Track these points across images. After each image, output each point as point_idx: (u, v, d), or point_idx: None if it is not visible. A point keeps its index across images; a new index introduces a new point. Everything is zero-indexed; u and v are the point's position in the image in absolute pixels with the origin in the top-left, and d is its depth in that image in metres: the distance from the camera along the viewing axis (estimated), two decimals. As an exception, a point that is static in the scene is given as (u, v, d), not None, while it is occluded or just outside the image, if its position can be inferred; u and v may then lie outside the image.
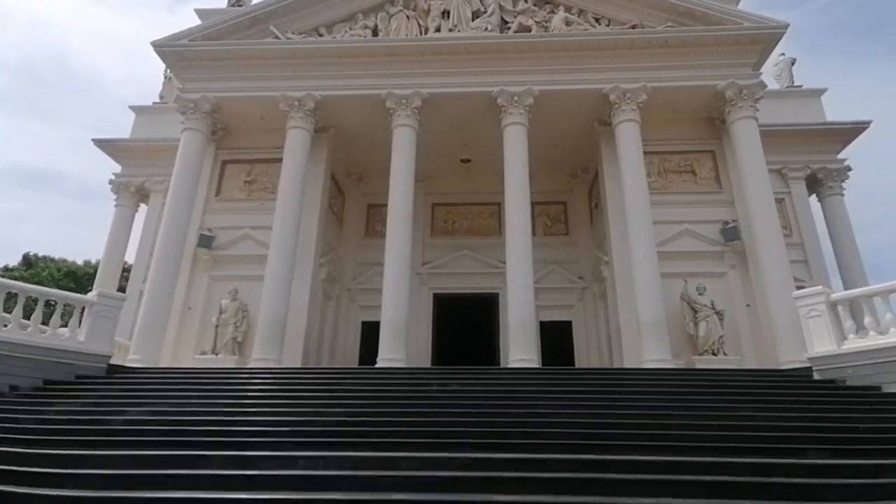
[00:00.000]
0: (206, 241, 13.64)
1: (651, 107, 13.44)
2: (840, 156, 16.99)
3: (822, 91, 17.71)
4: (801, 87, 18.07)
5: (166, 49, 14.07)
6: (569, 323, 15.82)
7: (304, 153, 13.56)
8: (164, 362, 12.52)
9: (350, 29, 14.51)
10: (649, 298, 11.66)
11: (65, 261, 33.48)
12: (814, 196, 17.12)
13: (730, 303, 12.62)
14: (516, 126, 13.36)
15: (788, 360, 10.95)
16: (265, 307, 12.08)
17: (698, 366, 11.58)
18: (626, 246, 12.97)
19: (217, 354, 12.63)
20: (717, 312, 12.12)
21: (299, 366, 12.51)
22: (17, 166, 73.99)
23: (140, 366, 11.40)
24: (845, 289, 14.44)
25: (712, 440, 6.07)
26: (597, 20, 14.22)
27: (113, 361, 12.07)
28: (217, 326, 12.88)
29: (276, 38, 14.11)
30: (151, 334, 12.11)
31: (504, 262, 14.98)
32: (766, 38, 13.22)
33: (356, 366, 14.91)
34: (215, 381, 9.51)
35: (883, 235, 57.30)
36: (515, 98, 13.38)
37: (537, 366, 11.26)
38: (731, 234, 12.91)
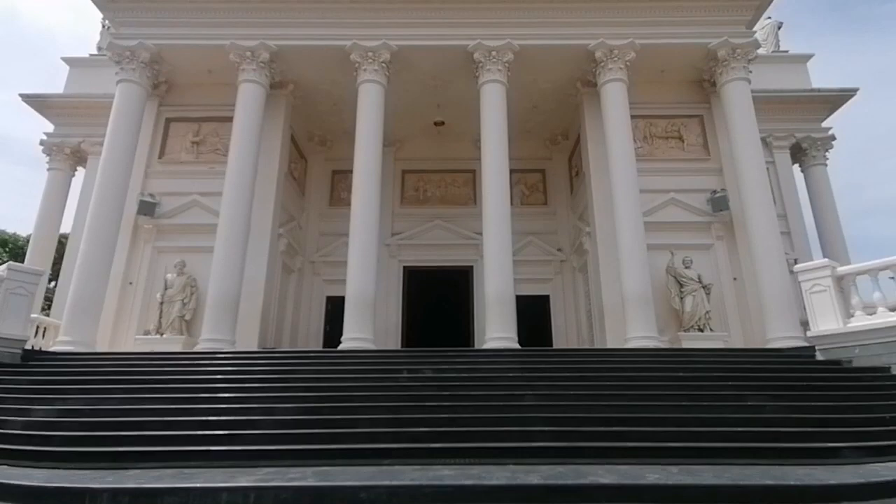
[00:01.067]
0: (147, 209, 12.17)
1: (638, 67, 12.46)
2: (824, 124, 16.44)
3: (809, 57, 17.05)
4: (786, 52, 17.36)
5: (96, -13, 12.27)
6: (546, 297, 15.03)
7: (258, 111, 12.11)
8: (102, 344, 11.21)
9: (311, -29, 12.94)
10: (635, 272, 10.88)
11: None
12: (796, 165, 16.60)
13: (716, 276, 12.00)
14: (495, 84, 12.20)
15: (777, 336, 10.40)
16: (215, 282, 10.83)
17: (684, 343, 10.94)
18: (609, 215, 12.13)
19: (162, 335, 11.36)
20: (703, 286, 11.47)
21: (255, 348, 11.38)
22: (-45, 131, 68.70)
23: (69, 349, 10.08)
24: (828, 261, 14.01)
25: (725, 438, 5.30)
26: (582, -30, 13.04)
27: (43, 345, 10.87)
28: (162, 303, 11.57)
29: (226, -23, 12.44)
30: (85, 313, 10.72)
31: (479, 234, 14.06)
32: (761, -8, 12.32)
33: (318, 348, 13.83)
34: (147, 368, 8.30)
35: (857, 203, 58.29)
36: (494, 53, 12.18)
37: (516, 346, 10.40)
38: (718, 203, 12.20)
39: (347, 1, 12.44)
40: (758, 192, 11.44)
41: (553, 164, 16.19)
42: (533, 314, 14.50)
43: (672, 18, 12.42)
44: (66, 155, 16.02)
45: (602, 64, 12.29)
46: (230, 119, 12.17)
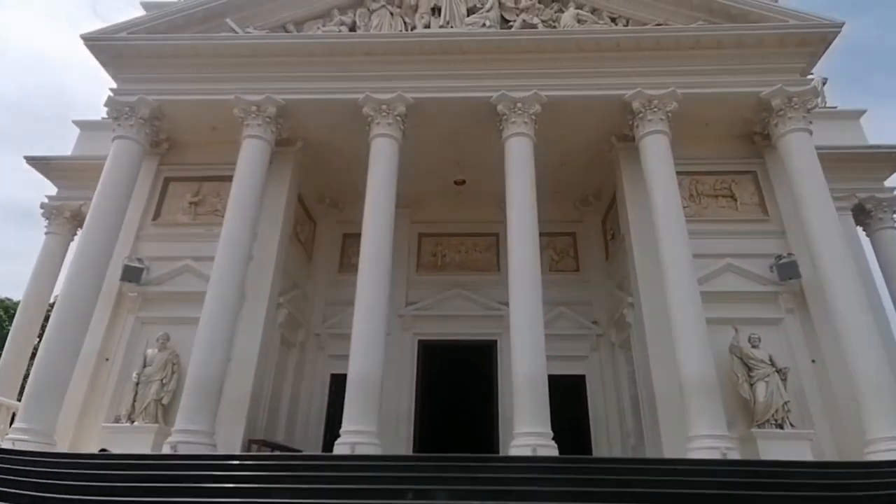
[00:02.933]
0: (133, 274, 10.90)
1: (679, 120, 11.15)
2: (888, 183, 14.77)
3: (862, 113, 15.63)
4: (836, 108, 16.03)
5: (100, 44, 11.70)
6: (581, 378, 13.07)
7: (260, 167, 11.03)
8: (65, 434, 9.61)
9: (323, 26, 12.28)
10: (694, 351, 9.04)
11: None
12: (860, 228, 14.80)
13: (790, 357, 10.02)
14: (520, 137, 10.98)
15: (882, 436, 8.31)
16: (197, 360, 9.30)
17: (760, 443, 8.89)
18: (655, 283, 10.48)
19: (133, 422, 9.74)
20: (778, 371, 9.50)
21: (240, 439, 9.67)
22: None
23: (24, 439, 8.54)
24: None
25: None
26: (613, 20, 12.12)
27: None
28: (138, 384, 10.02)
29: (234, 32, 11.80)
30: (47, 396, 9.24)
31: (504, 304, 12.46)
32: (816, 38, 11.13)
33: (305, 452, 11.78)
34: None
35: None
36: (519, 105, 11.05)
37: (552, 448, 8.49)
38: (786, 270, 10.42)
39: (361, 53, 11.62)
40: (836, 255, 9.70)
41: (584, 227, 14.69)
42: (566, 398, 12.44)
43: (716, 66, 11.22)
44: (66, 218, 15.05)
45: (640, 115, 11.03)
46: (232, 178, 11.11)
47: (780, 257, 10.59)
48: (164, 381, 10.02)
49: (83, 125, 16.43)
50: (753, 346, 9.75)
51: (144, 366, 10.17)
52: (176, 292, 11.05)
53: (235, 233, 10.29)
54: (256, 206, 10.76)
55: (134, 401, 9.94)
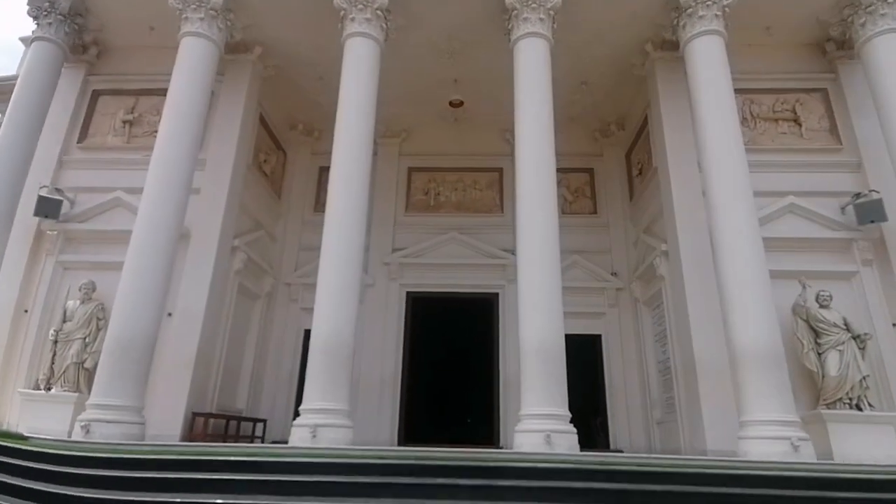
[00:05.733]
0: (50, 208, 8.77)
1: (734, 23, 8.73)
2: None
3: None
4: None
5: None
6: (597, 339, 11.15)
7: (203, 74, 8.66)
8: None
9: None
10: (753, 312, 7.02)
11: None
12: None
13: (867, 321, 8.04)
14: (535, 38, 8.57)
15: None
16: (118, 317, 7.29)
17: (831, 427, 7.02)
18: (698, 227, 8.51)
19: (49, 389, 7.87)
20: (855, 337, 7.52)
21: (182, 413, 7.84)
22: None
23: None
24: None
25: None
26: None
27: None
28: (56, 343, 8.10)
29: None
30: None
31: (508, 251, 10.57)
32: (922, -90, 8.54)
33: (231, 447, 10.02)
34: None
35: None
36: (534, -5, 8.60)
37: (569, 431, 6.63)
38: (867, 211, 8.28)
39: (332, -74, 9.04)
40: (939, 193, 7.56)
41: (604, 163, 12.41)
42: (578, 362, 10.58)
43: (790, -53, 8.73)
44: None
45: (689, 10, 8.59)
46: (171, 89, 8.80)
47: (858, 195, 8.43)
48: (86, 340, 8.11)
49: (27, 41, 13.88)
50: (823, 307, 7.74)
51: (64, 321, 8.24)
52: (105, 231, 9.00)
53: (171, 155, 8.07)
54: (199, 122, 8.47)
55: (52, 363, 8.07)
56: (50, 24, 9.12)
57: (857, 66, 9.07)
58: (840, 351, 7.42)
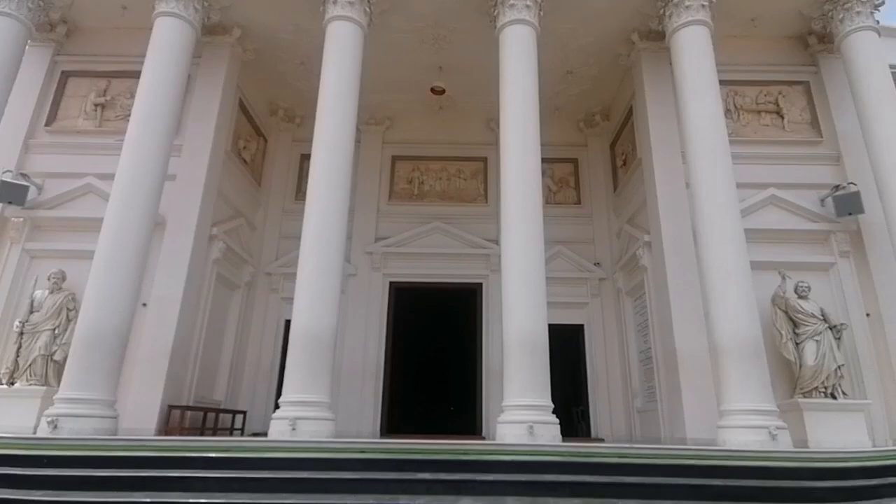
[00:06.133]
0: (14, 194, 8.41)
1: (720, 13, 8.72)
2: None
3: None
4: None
5: None
6: (579, 329, 11.19)
7: (178, 55, 8.36)
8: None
9: None
10: (734, 302, 7.07)
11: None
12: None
13: (843, 311, 8.20)
14: (521, 25, 8.45)
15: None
16: (89, 306, 7.04)
17: (807, 416, 7.15)
18: (681, 218, 8.62)
19: (13, 384, 7.59)
20: (831, 328, 7.65)
21: (157, 405, 7.64)
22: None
23: None
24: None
25: None
26: None
27: None
28: (21, 335, 7.80)
29: None
30: None
31: (492, 241, 10.57)
32: None
33: (241, 436, 9.82)
34: None
35: None
36: (520, -18, 8.46)
37: (552, 422, 6.63)
38: (845, 203, 8.40)
39: None
40: (915, 185, 7.67)
41: (589, 153, 12.38)
42: (560, 352, 10.60)
43: (777, -62, 8.71)
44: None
45: (676, 0, 8.55)
46: (146, 72, 8.47)
47: (837, 187, 8.54)
48: (56, 332, 7.82)
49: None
50: (801, 297, 7.84)
51: (31, 311, 7.93)
52: (75, 218, 8.67)
53: (146, 140, 7.79)
54: (174, 105, 8.19)
55: (17, 356, 7.76)
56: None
57: (838, 61, 9.16)
58: (817, 341, 7.54)
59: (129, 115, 8.30)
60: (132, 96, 8.90)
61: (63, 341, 7.71)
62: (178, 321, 8.20)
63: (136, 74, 8.55)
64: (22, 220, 8.60)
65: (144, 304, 8.06)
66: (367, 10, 8.73)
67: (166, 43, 8.32)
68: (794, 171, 8.94)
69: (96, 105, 9.41)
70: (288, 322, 10.87)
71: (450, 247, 11.43)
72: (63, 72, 9.65)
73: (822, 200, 8.69)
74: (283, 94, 11.76)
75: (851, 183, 8.44)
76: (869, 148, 8.20)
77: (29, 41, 9.05)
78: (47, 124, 9.31)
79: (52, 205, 8.78)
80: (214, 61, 9.65)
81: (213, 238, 9.30)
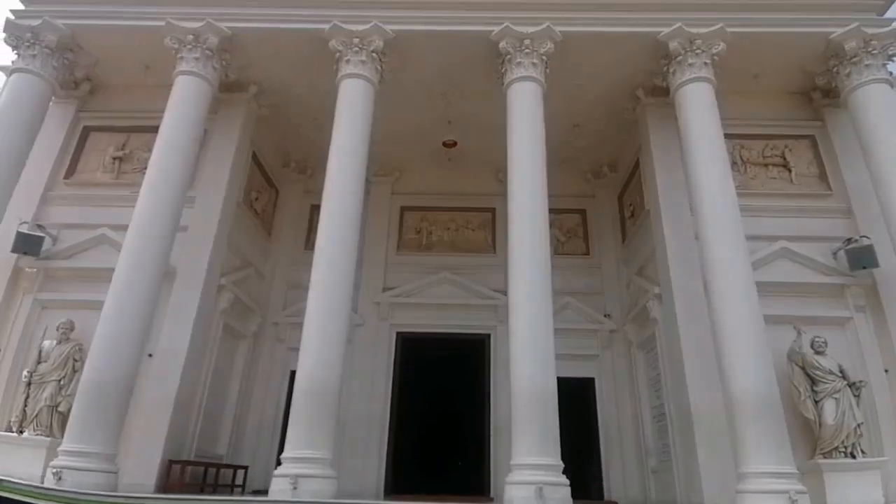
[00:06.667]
0: (29, 244, 8.55)
1: (723, 70, 8.89)
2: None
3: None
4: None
5: (-2, -49, 9.22)
6: (590, 382, 10.93)
7: (196, 111, 8.67)
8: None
9: (286, -58, 9.83)
10: (749, 358, 6.89)
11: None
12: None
13: (861, 367, 7.95)
14: (527, 82, 8.68)
15: None
16: (95, 357, 7.05)
17: (828, 478, 6.84)
18: (691, 270, 8.52)
19: (22, 432, 7.51)
20: (850, 385, 7.41)
21: (158, 461, 7.47)
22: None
23: None
24: None
25: None
26: (643, -55, 9.75)
27: None
28: (29, 384, 7.78)
29: (169, -58, 9.33)
30: None
31: (500, 291, 10.51)
32: (899, -32, 8.88)
33: (242, 496, 9.55)
34: None
35: None
36: (527, 42, 8.74)
37: (562, 484, 6.39)
38: (859, 257, 8.26)
39: (329, -27, 9.23)
40: (930, 239, 7.57)
41: (596, 204, 12.45)
42: (571, 405, 10.28)
43: (777, 2, 8.96)
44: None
45: (679, 58, 8.75)
46: (164, 127, 8.75)
47: (849, 240, 8.44)
48: (61, 382, 7.78)
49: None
50: (819, 353, 7.64)
51: (39, 361, 7.94)
52: (87, 269, 8.76)
53: (160, 192, 7.98)
54: (190, 159, 8.44)
55: (25, 406, 7.73)
56: (34, 56, 8.91)
57: (844, 114, 9.22)
58: (836, 399, 7.28)
59: (146, 168, 8.53)
60: (149, 150, 9.03)
61: (68, 392, 7.66)
62: (183, 373, 8.13)
63: (154, 129, 8.79)
64: (35, 270, 8.72)
65: (150, 355, 8.03)
66: (379, 68, 9.04)
67: (185, 100, 8.63)
68: (805, 223, 8.87)
69: (114, 158, 9.68)
70: (293, 373, 10.74)
71: (458, 297, 11.36)
72: (85, 127, 9.99)
73: (835, 254, 8.57)
74: (295, 147, 12.06)
75: (864, 236, 8.33)
76: (882, 201, 8.12)
77: (53, 98, 9.45)
78: (66, 177, 9.57)
79: (66, 255, 8.90)
80: (230, 117, 9.94)
81: (221, 288, 9.34)
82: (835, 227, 8.83)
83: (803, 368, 7.57)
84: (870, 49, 8.59)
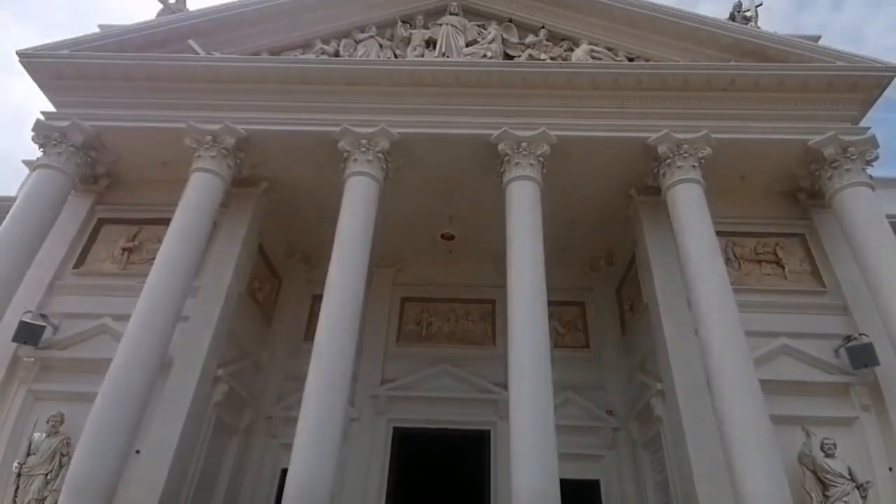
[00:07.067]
0: (30, 334, 8.55)
1: (711, 171, 9.36)
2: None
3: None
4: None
5: (38, 61, 10.03)
6: (594, 484, 10.46)
7: (208, 206, 9.04)
8: None
9: (301, 54, 10.74)
10: (758, 462, 6.67)
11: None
12: None
13: (868, 467, 7.65)
14: (525, 181, 9.13)
15: None
16: (81, 453, 6.84)
17: None
18: (692, 366, 8.46)
19: (8, 528, 7.15)
20: (858, 487, 7.12)
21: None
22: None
23: None
24: None
25: None
26: (630, 60, 10.62)
27: None
28: (19, 476, 7.51)
29: (195, 53, 10.20)
30: None
31: (500, 385, 10.34)
32: (868, 82, 9.60)
33: None
34: None
35: None
36: (524, 144, 9.29)
37: None
38: (859, 355, 8.21)
39: (342, 82, 9.96)
40: (928, 339, 7.58)
41: (595, 296, 12.56)
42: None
43: (755, 110, 9.59)
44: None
45: (668, 161, 9.25)
46: (175, 219, 9.07)
47: (848, 338, 8.45)
48: (48, 477, 7.51)
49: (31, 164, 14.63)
50: (828, 456, 7.39)
51: (28, 454, 7.69)
52: (84, 360, 8.68)
53: (165, 283, 8.13)
54: (197, 251, 8.67)
55: (14, 498, 7.43)
56: (59, 153, 9.42)
57: (830, 214, 9.51)
58: (846, 502, 6.96)
59: (154, 259, 8.74)
60: (159, 241, 9.23)
61: (54, 487, 7.37)
62: (171, 469, 7.82)
63: (166, 222, 9.07)
64: (33, 360, 8.66)
65: (138, 452, 7.76)
66: (384, 167, 9.53)
67: (198, 195, 9.02)
68: (803, 320, 8.90)
69: (124, 249, 9.90)
70: (284, 471, 10.36)
71: (457, 391, 11.16)
72: (99, 219, 10.31)
73: (836, 351, 8.54)
74: (301, 238, 12.37)
75: (863, 334, 8.35)
76: (877, 301, 8.20)
77: (72, 191, 9.87)
78: (75, 267, 9.74)
79: (64, 345, 8.86)
80: (240, 210, 10.30)
81: (216, 380, 9.21)
82: (833, 323, 8.86)
83: (814, 472, 7.30)
84: (848, 154, 9.08)
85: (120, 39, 10.27)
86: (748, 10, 10.75)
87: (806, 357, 8.54)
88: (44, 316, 8.86)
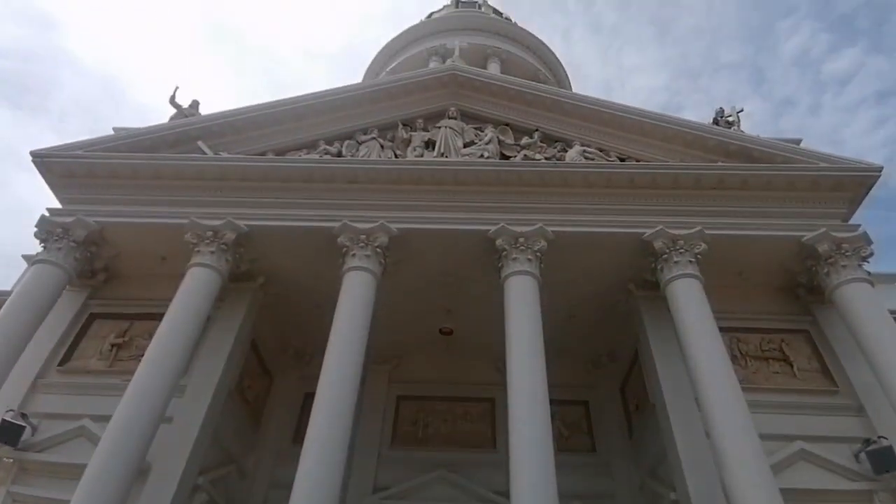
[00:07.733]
0: (11, 434, 8.07)
1: (708, 267, 9.39)
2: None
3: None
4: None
5: (51, 161, 10.36)
6: None
7: (203, 302, 8.92)
8: None
9: (306, 155, 11.16)
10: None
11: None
12: None
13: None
14: (523, 276, 9.11)
15: None
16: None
17: None
18: (707, 472, 7.88)
19: None
20: None
21: None
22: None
23: None
24: None
25: None
26: (622, 160, 11.03)
27: None
28: None
29: (203, 153, 10.58)
30: None
31: (501, 493, 9.66)
32: (853, 182, 9.90)
33: None
34: None
35: None
36: (521, 240, 9.38)
37: None
38: (880, 460, 7.73)
39: (343, 181, 10.26)
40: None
41: (598, 395, 12.10)
42: None
43: (746, 208, 9.80)
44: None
45: (665, 256, 9.29)
46: (168, 315, 8.92)
47: (867, 441, 8.00)
48: None
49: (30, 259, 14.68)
50: (864, 576, 6.72)
51: (-15, 574, 6.98)
52: (60, 464, 8.17)
53: (150, 382, 7.81)
54: (187, 349, 8.42)
55: None
56: (59, 248, 9.44)
57: (832, 310, 9.41)
58: None
59: (142, 355, 8.48)
60: (150, 337, 8.99)
61: None
62: None
63: (158, 317, 8.90)
64: (12, 461, 8.13)
65: (103, 572, 7.02)
66: (382, 261, 9.54)
67: (195, 290, 8.96)
68: (818, 422, 8.50)
69: (113, 345, 9.64)
70: None
71: (454, 499, 10.40)
72: (91, 314, 10.14)
73: (857, 455, 8.06)
74: (295, 333, 12.12)
75: (882, 437, 7.92)
76: (891, 399, 7.88)
77: (67, 286, 9.78)
78: (60, 364, 9.43)
79: (42, 447, 8.37)
80: (235, 304, 10.16)
81: (196, 489, 8.59)
82: (851, 425, 8.45)
83: None
84: (843, 251, 9.14)
85: (132, 141, 10.70)
86: (730, 116, 11.35)
87: (825, 462, 8.04)
88: (24, 415, 8.43)
